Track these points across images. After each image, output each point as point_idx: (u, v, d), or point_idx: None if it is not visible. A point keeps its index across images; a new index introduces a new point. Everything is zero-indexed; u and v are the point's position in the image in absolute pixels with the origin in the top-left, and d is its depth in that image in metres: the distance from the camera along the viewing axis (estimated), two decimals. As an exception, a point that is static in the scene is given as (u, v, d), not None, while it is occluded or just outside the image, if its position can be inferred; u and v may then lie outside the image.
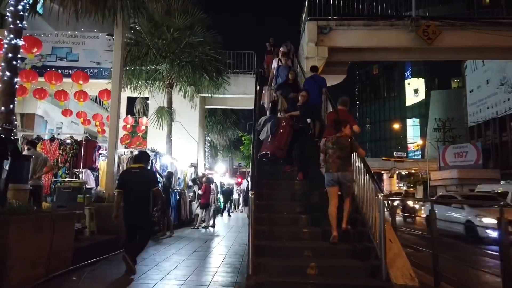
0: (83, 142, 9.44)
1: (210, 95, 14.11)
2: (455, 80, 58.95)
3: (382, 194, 4.60)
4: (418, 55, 13.91)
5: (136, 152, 8.84)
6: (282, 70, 9.75)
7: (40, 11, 16.39)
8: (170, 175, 10.36)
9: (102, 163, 9.59)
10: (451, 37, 12.60)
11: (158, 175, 8.91)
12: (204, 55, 12.56)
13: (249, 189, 5.98)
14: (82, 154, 9.37)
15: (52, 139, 9.66)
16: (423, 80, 64.89)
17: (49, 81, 11.64)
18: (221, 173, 25.98)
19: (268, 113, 8.89)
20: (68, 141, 9.58)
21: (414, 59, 16.24)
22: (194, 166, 14.77)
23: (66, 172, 9.38)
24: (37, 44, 8.81)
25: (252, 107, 16.61)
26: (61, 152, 9.41)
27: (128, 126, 17.23)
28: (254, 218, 4.86)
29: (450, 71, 56.06)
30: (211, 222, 12.00)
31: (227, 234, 10.46)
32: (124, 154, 10.13)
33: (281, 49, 10.35)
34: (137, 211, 5.13)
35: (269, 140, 7.22)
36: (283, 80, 9.43)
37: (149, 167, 6.13)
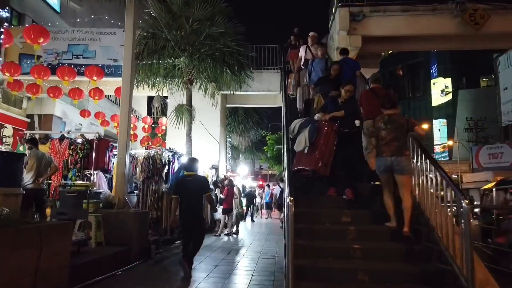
0: (95, 141, 8.65)
1: (232, 91, 13.10)
2: (484, 79, 56.33)
3: (466, 201, 3.43)
4: (462, 44, 12.57)
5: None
6: (317, 64, 8.26)
7: (57, 9, 16.02)
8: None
9: (116, 164, 8.75)
10: (501, 22, 11.26)
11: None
12: (225, 48, 11.58)
13: (284, 196, 4.89)
14: (94, 154, 8.59)
15: (61, 138, 8.89)
16: (449, 79, 62.36)
17: (61, 77, 10.98)
18: (243, 176, 25.09)
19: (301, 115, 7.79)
20: (79, 140, 8.79)
21: (457, 48, 14.66)
22: (215, 168, 13.86)
23: (77, 174, 8.59)
24: (44, 34, 8.00)
25: (276, 105, 15.82)
26: (71, 152, 8.62)
27: (146, 126, 16.58)
28: (293, 231, 3.82)
29: (479, 70, 53.57)
30: (234, 229, 11.03)
31: (252, 243, 9.43)
32: (143, 154, 9.25)
33: (311, 33, 9.02)
34: (193, 215, 5.48)
35: (305, 151, 5.43)
36: (318, 76, 7.70)
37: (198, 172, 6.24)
